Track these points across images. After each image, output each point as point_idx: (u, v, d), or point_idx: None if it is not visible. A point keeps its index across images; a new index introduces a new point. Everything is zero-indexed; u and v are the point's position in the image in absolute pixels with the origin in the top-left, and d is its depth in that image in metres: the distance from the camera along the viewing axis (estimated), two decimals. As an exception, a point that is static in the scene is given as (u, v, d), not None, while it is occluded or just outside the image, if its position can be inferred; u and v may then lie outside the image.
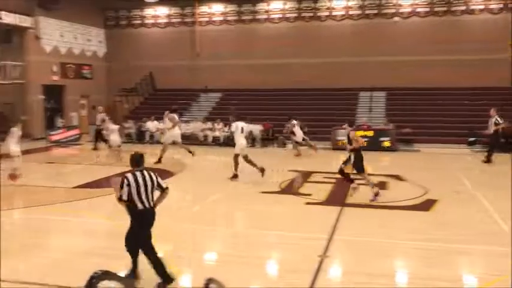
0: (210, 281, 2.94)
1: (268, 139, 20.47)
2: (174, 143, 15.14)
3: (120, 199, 5.67)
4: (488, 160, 15.30)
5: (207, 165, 17.65)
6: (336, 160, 17.07)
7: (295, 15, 25.07)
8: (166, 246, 7.37)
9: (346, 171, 10.35)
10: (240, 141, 11.92)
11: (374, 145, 18.39)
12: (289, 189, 11.65)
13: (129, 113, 24.72)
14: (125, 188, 5.61)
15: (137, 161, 5.87)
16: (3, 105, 22.42)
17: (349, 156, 10.12)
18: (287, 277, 6.13)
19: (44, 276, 6.04)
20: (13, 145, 12.31)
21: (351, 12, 24.31)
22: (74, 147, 20.95)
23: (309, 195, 10.75)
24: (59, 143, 21.44)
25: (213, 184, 12.57)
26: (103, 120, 17.79)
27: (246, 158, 12.01)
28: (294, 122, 17.44)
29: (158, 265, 5.57)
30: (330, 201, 10.37)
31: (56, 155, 18.85)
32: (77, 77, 25.49)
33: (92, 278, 1.69)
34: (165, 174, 13.91)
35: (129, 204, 5.67)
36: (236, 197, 10.91)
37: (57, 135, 21.98)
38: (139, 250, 5.69)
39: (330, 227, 8.15)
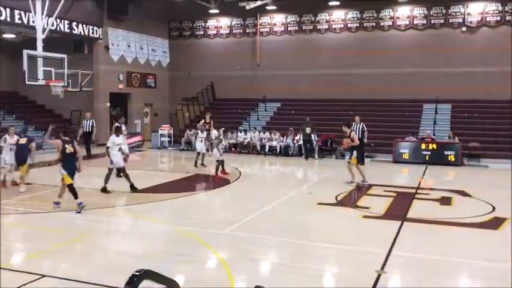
0: (257, 288, 2.83)
1: (326, 150, 20.14)
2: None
3: None
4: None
5: (263, 174, 17.64)
6: (398, 173, 16.61)
7: (357, 25, 24.68)
8: (220, 253, 7.35)
9: None
10: (113, 152, 12.48)
11: (438, 159, 17.74)
12: (346, 202, 11.35)
13: (189, 122, 25.21)
14: None
15: None
16: (71, 112, 23.57)
17: None
18: (342, 291, 5.90)
19: (100, 277, 6.16)
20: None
21: (415, 22, 23.60)
22: (136, 153, 21.60)
23: (367, 208, 10.42)
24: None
25: (267, 193, 12.48)
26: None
27: (119, 171, 12.89)
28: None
29: None
30: (389, 215, 9.99)
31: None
32: (142, 85, 26.39)
33: (133, 276, 1.65)
34: (221, 182, 14.03)
35: None
36: (291, 207, 10.74)
37: (121, 141, 22.76)
38: None
39: (389, 242, 7.81)
